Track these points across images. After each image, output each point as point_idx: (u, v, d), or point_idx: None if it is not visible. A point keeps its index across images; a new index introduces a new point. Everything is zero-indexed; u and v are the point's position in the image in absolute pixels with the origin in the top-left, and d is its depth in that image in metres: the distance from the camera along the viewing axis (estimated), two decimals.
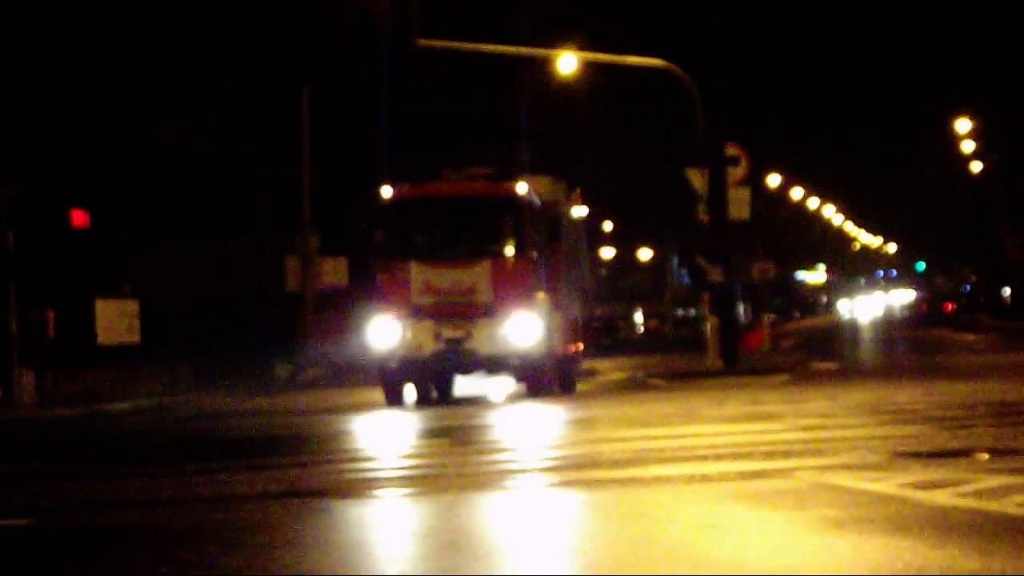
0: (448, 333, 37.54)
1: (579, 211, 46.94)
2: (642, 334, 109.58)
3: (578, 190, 46.71)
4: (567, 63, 55.59)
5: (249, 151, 66.88)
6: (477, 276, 37.63)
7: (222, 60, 67.24)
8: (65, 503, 20.58)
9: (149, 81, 65.53)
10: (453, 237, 39.01)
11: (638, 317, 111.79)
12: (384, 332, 37.96)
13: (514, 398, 40.82)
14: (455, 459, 24.11)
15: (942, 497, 16.81)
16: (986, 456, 20.67)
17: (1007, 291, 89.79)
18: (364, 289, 40.35)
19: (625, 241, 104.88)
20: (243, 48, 67.69)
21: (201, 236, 67.09)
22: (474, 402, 40.86)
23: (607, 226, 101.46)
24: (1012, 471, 18.75)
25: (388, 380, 38.84)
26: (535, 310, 37.29)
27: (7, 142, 55.42)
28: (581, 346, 46.91)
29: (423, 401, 40.12)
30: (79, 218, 52.24)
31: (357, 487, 20.60)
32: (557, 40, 57.29)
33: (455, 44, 55.00)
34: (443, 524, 17.04)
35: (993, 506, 16.02)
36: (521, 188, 38.24)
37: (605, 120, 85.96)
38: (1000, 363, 48.15)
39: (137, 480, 22.59)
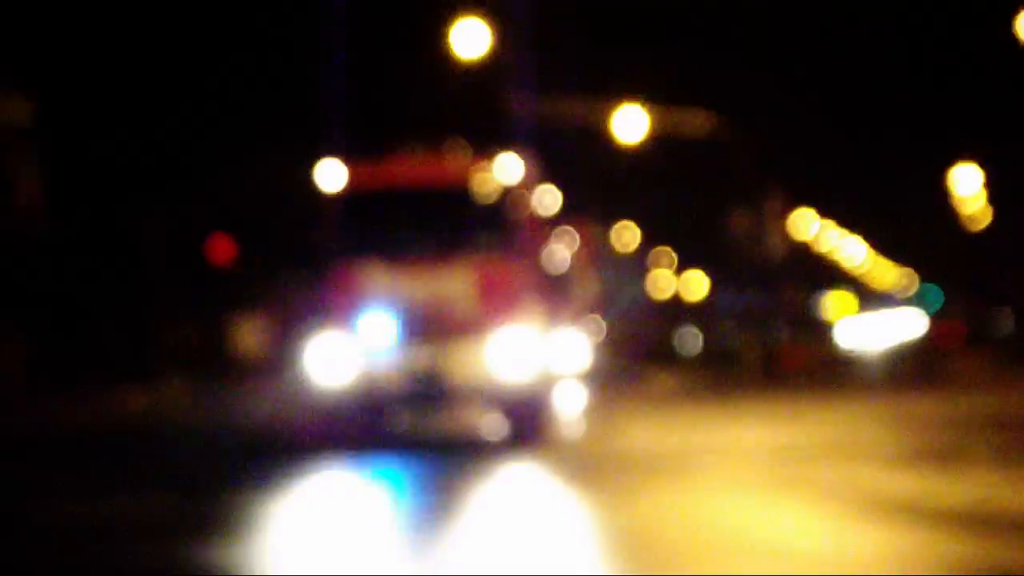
0: (420, 361, 23.76)
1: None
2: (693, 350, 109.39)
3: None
4: (627, 117, 53.89)
5: None
6: (455, 282, 23.99)
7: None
8: (201, 490, 20.52)
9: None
10: (421, 232, 25.35)
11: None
12: (333, 361, 23.93)
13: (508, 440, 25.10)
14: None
15: (950, 495, 16.90)
16: (986, 459, 20.69)
17: (1008, 319, 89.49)
18: (303, 304, 27.43)
19: (680, 267, 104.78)
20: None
21: (320, 259, 66.83)
22: (451, 444, 27.31)
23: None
24: (1011, 474, 18.82)
25: (335, 419, 25.00)
26: (532, 326, 24.22)
27: (155, 179, 56.00)
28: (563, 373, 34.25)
29: (373, 443, 25.54)
30: (223, 248, 52.81)
31: None
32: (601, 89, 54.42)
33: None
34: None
35: (994, 503, 16.12)
36: (510, 167, 24.95)
37: (660, 162, 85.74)
38: (1000, 380, 48.02)
39: (257, 470, 22.08)
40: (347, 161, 24.33)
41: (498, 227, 23.90)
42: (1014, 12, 54.63)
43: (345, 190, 24.17)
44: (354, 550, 14.72)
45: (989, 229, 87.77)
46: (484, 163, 24.61)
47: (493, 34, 42.99)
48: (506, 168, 24.05)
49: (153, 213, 47.93)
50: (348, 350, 23.14)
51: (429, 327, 23.14)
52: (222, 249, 53.83)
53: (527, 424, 23.73)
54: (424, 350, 23.11)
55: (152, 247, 47.31)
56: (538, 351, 23.30)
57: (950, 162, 78.74)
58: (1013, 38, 56.18)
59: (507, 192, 24.04)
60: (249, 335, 49.82)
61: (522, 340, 23.15)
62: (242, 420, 37.23)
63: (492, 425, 24.76)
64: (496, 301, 23.43)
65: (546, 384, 24.17)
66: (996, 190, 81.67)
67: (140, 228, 47.66)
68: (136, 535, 16.35)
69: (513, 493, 18.92)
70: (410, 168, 24.85)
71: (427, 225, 24.26)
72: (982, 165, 78.63)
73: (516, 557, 13.87)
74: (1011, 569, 12.38)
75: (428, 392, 23.56)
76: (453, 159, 25.16)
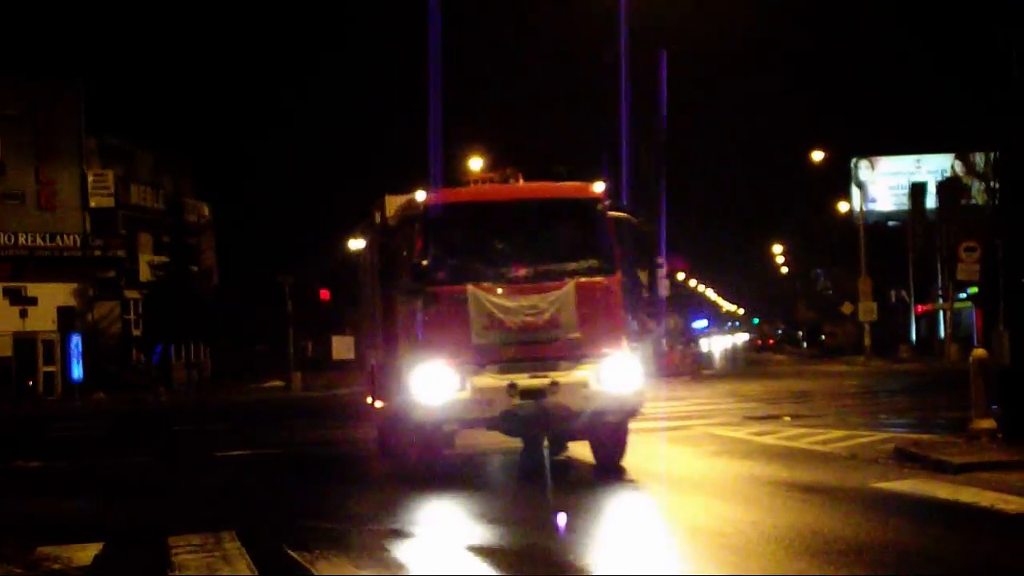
0: (525, 383, 13.72)
1: None
2: None
3: None
4: None
5: None
6: (560, 304, 13.90)
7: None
8: (300, 441, 20.36)
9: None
10: (523, 254, 14.24)
11: None
12: (436, 384, 13.78)
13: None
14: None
15: (768, 440, 16.95)
16: (788, 418, 20.69)
17: (800, 334, 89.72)
18: (392, 327, 15.90)
19: None
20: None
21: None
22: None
23: None
24: (802, 426, 18.85)
25: (433, 444, 14.21)
26: (632, 348, 14.75)
27: (285, 253, 56.06)
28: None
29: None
30: (324, 294, 52.93)
31: None
32: None
33: None
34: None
35: (794, 444, 16.22)
36: (599, 188, 14.54)
37: None
38: (796, 371, 48.33)
39: (350, 428, 21.27)
40: (446, 185, 14.76)
41: (598, 246, 14.14)
42: (810, 146, 55.20)
43: (444, 214, 14.06)
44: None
45: (788, 282, 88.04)
46: (576, 183, 14.63)
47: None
48: (599, 192, 14.34)
49: (285, 273, 48.01)
50: (452, 371, 13.63)
51: (533, 349, 13.72)
52: (324, 294, 53.92)
53: (619, 446, 14.42)
54: (536, 375, 13.66)
55: (284, 293, 47.40)
56: (636, 373, 14.03)
57: (770, 242, 79.53)
58: (809, 171, 56.76)
59: (603, 214, 14.23)
60: (342, 347, 49.98)
61: (632, 362, 14.02)
62: (335, 398, 37.32)
63: (586, 449, 14.90)
64: (603, 322, 13.95)
65: (638, 401, 14.27)
66: (792, 258, 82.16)
67: (276, 282, 47.78)
68: (273, 467, 16.64)
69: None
70: (504, 189, 14.67)
71: (529, 247, 14.14)
72: (784, 245, 79.26)
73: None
74: (799, 479, 12.60)
75: (542, 419, 13.75)
76: (553, 180, 14.76)
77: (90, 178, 48.36)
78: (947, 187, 51.11)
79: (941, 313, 58.88)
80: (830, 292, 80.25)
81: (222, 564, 9.06)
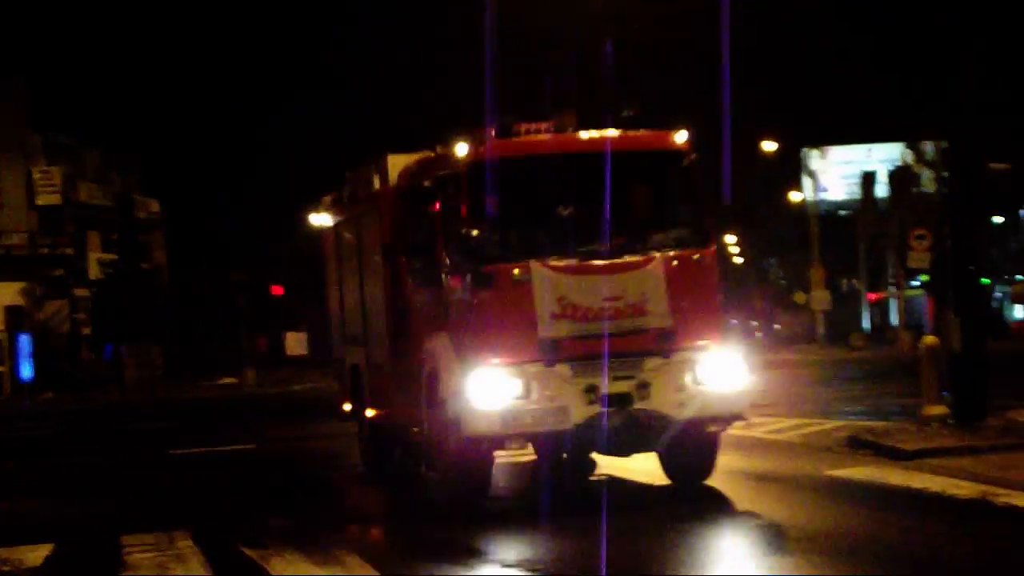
0: (608, 386, 10.23)
1: None
2: None
3: None
4: None
5: None
6: (647, 285, 10.43)
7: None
8: (270, 437, 20.29)
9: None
10: (597, 222, 10.45)
11: None
12: (492, 389, 10.19)
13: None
14: None
15: (740, 434, 16.92)
16: (760, 411, 20.77)
17: (754, 323, 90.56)
18: (407, 316, 11.92)
19: None
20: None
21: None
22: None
23: None
24: (757, 415, 18.24)
25: (483, 464, 10.82)
26: (731, 338, 11.91)
27: (237, 249, 55.82)
28: None
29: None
30: (277, 290, 52.75)
31: None
32: None
33: None
34: None
35: (748, 433, 15.94)
36: (682, 138, 10.98)
37: None
38: (749, 360, 48.40)
39: (306, 426, 21.48)
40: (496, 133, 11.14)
41: (688, 212, 11.22)
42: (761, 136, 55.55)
43: (493, 169, 10.79)
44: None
45: (742, 272, 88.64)
46: (663, 133, 11.23)
47: None
48: (683, 142, 11.12)
49: (236, 269, 47.87)
50: (512, 372, 10.42)
51: (615, 342, 10.54)
52: (276, 291, 53.75)
53: (708, 461, 11.58)
54: (619, 375, 10.54)
55: (236, 290, 47.26)
56: (742, 369, 11.08)
57: (722, 233, 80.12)
58: (761, 161, 57.13)
59: (692, 171, 11.07)
60: (294, 342, 49.89)
61: (726, 358, 11.01)
62: (290, 394, 37.21)
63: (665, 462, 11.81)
64: (699, 307, 10.95)
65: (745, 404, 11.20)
66: (744, 248, 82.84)
67: (228, 279, 47.61)
68: (227, 465, 16.55)
69: None
70: (577, 138, 11.28)
71: (606, 211, 10.69)
72: (737, 234, 79.86)
73: None
74: (754, 468, 12.61)
75: (629, 430, 10.59)
76: (622, 128, 11.32)
77: (36, 175, 47.91)
78: (898, 176, 51.63)
79: (893, 301, 59.48)
80: (783, 281, 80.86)
81: (175, 563, 9.02)
